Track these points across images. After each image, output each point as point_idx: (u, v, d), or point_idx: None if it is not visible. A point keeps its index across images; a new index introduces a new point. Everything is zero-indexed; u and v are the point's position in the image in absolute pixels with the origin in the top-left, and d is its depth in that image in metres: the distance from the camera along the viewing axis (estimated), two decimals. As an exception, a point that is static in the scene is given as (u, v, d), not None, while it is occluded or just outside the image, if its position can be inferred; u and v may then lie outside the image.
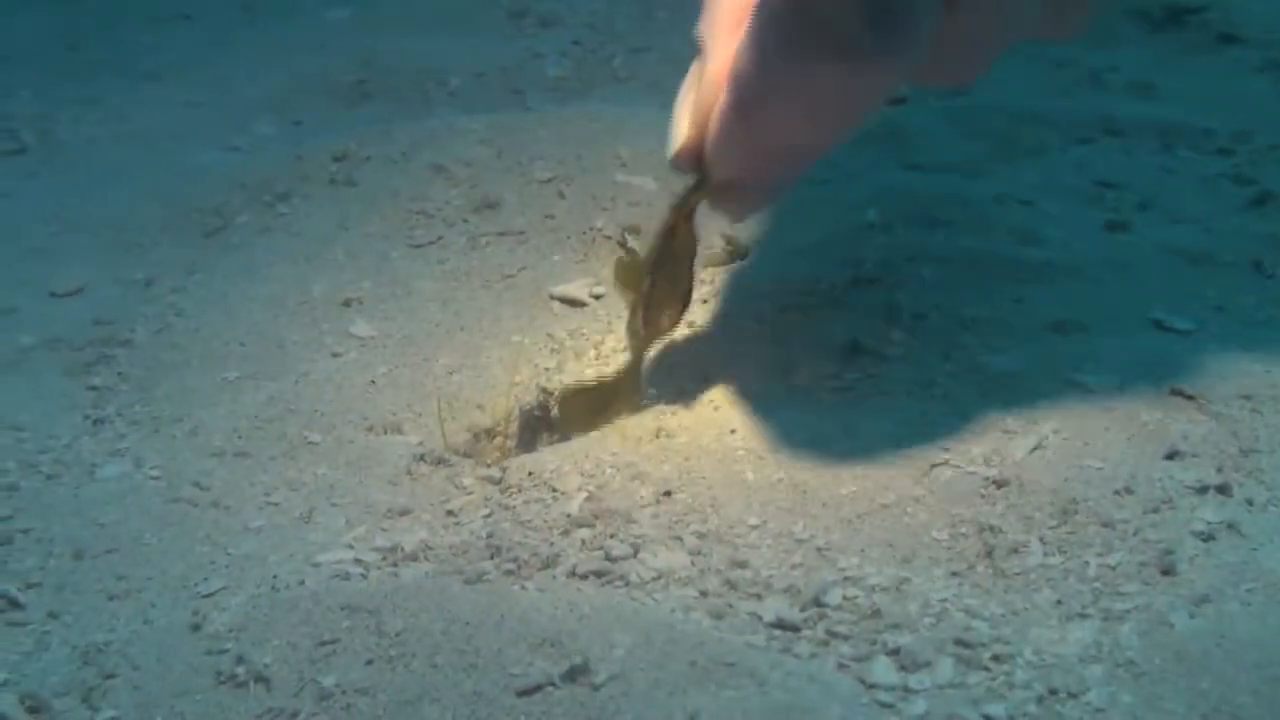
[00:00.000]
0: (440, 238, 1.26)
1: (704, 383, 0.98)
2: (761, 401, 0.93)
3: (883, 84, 0.78)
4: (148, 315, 1.19)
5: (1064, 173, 1.24)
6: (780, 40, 0.78)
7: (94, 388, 1.09)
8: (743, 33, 0.82)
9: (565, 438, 0.99)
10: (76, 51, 1.88)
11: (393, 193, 1.31)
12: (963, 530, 0.80)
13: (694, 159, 0.89)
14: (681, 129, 0.88)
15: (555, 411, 1.03)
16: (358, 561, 0.84)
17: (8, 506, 0.94)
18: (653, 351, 1.01)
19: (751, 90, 0.81)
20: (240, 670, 0.75)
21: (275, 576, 0.84)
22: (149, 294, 1.23)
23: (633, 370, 0.99)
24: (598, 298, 1.17)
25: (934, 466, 0.84)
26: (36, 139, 1.64)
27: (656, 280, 0.96)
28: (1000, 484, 0.83)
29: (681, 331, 1.03)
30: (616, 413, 0.97)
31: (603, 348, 1.11)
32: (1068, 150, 1.29)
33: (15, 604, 0.84)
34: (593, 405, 0.98)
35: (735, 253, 1.18)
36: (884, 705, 0.68)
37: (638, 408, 0.97)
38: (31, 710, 0.74)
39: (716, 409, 0.94)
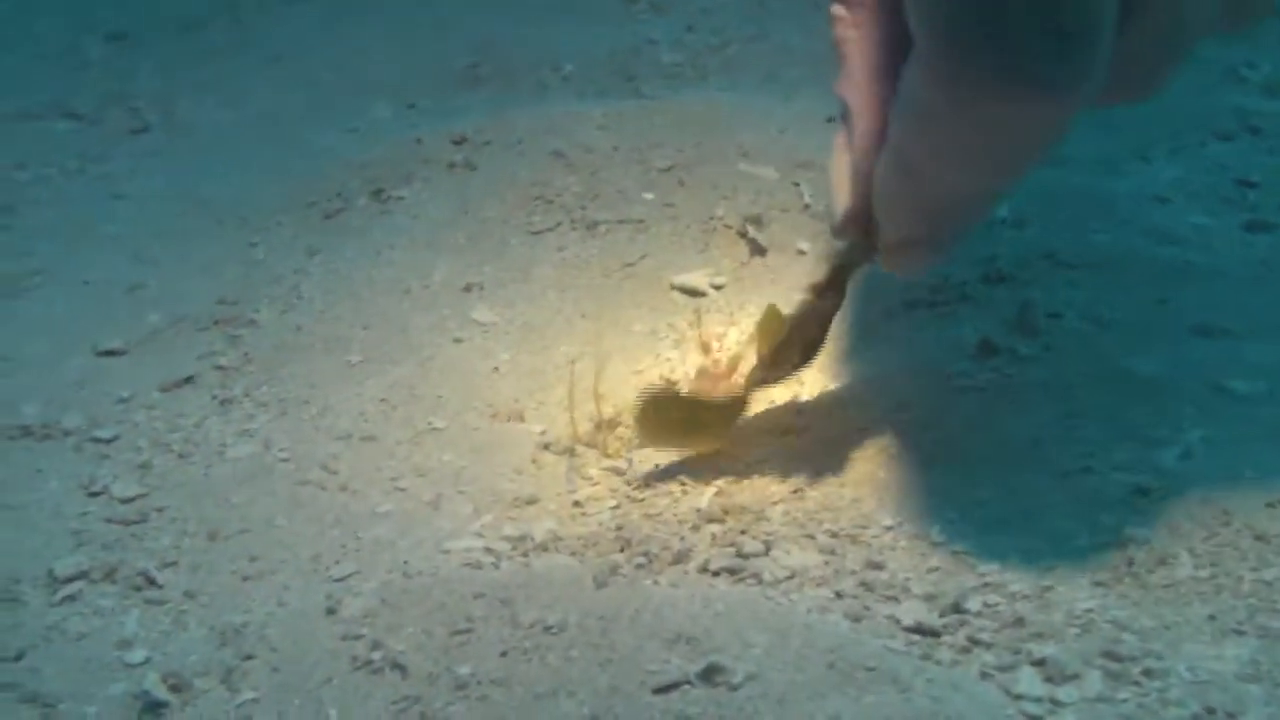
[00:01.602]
0: (559, 224, 1.25)
1: (832, 380, 0.96)
2: (891, 400, 0.92)
3: (1064, 116, 0.72)
4: (272, 296, 1.20)
5: (1202, 171, 1.20)
6: (945, 86, 0.71)
7: (220, 368, 1.10)
8: (890, 86, 0.78)
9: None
10: (194, 33, 1.90)
11: (512, 178, 1.31)
12: (1107, 539, 0.78)
13: (860, 226, 0.85)
14: (842, 197, 0.83)
15: (635, 413, 0.95)
16: (488, 550, 0.84)
17: (141, 484, 0.95)
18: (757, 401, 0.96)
19: (917, 145, 0.76)
20: (376, 656, 0.76)
21: (406, 562, 0.84)
22: (272, 275, 1.24)
23: (735, 407, 0.93)
24: (719, 288, 1.16)
25: (1076, 472, 0.82)
26: (160, 119, 1.66)
27: (791, 332, 0.92)
28: (1145, 492, 0.81)
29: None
30: (698, 442, 0.92)
31: (725, 340, 1.10)
32: (1206, 147, 1.25)
33: (153, 582, 0.85)
34: (677, 421, 0.93)
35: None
36: (1031, 717, 0.66)
37: (721, 446, 0.92)
38: (174, 689, 0.75)
39: (845, 407, 0.93)
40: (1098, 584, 0.75)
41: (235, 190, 1.41)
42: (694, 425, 0.92)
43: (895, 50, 0.79)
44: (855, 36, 0.82)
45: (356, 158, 1.41)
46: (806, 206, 1.23)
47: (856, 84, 0.82)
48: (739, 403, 0.93)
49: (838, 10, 0.84)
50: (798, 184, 1.26)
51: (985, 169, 0.76)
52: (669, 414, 0.92)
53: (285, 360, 1.10)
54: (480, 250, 1.22)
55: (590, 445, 1.01)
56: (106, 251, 1.30)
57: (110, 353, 1.12)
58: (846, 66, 0.83)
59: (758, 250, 1.16)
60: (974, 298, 1.02)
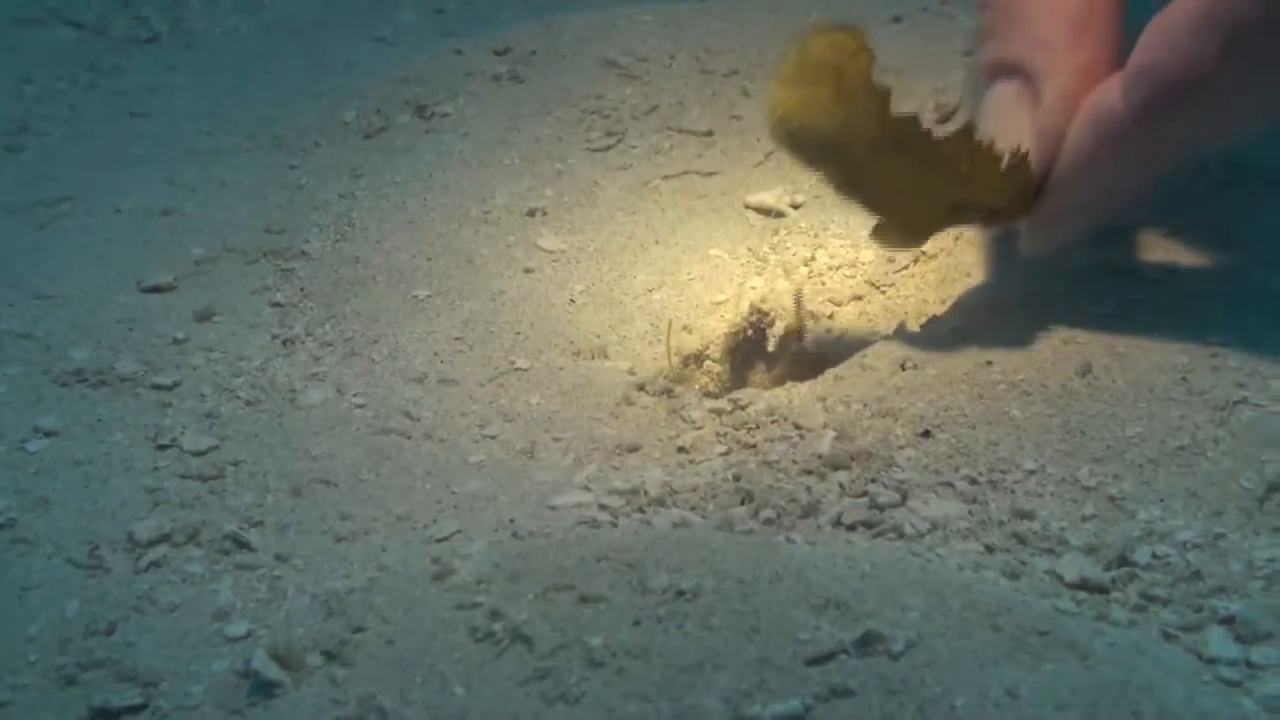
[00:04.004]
0: (620, 140, 1.19)
1: (945, 309, 0.91)
2: (1014, 331, 0.86)
3: None
4: (321, 225, 1.13)
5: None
6: (1225, 43, 0.75)
7: (277, 304, 1.04)
8: (1089, 53, 0.82)
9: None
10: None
11: (564, 91, 1.24)
12: (1276, 478, 0.73)
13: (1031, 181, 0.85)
14: (1024, 147, 0.83)
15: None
16: (602, 507, 0.79)
17: (212, 435, 0.90)
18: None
19: (1170, 95, 0.78)
20: (497, 627, 0.71)
21: (513, 521, 0.79)
22: (317, 200, 1.17)
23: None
24: (797, 207, 1.10)
25: (1231, 404, 0.77)
26: (169, 28, 1.58)
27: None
28: (1308, 427, 0.76)
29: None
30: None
31: (814, 264, 1.04)
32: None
33: (244, 544, 0.80)
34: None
35: None
36: (1230, 683, 0.62)
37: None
38: (284, 666, 0.70)
39: (965, 338, 0.87)
40: (1276, 529, 0.70)
41: (264, 107, 1.33)
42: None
43: (1091, 16, 0.83)
44: (1036, 1, 0.84)
45: (391, 71, 1.33)
46: (883, 116, 1.16)
47: (1042, 48, 0.83)
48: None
49: None
50: (870, 92, 1.19)
51: (1223, 129, 0.80)
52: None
53: (346, 295, 1.04)
54: (538, 171, 1.15)
55: (679, 381, 0.96)
56: (136, 176, 1.23)
57: (156, 288, 1.06)
58: (1024, 30, 0.84)
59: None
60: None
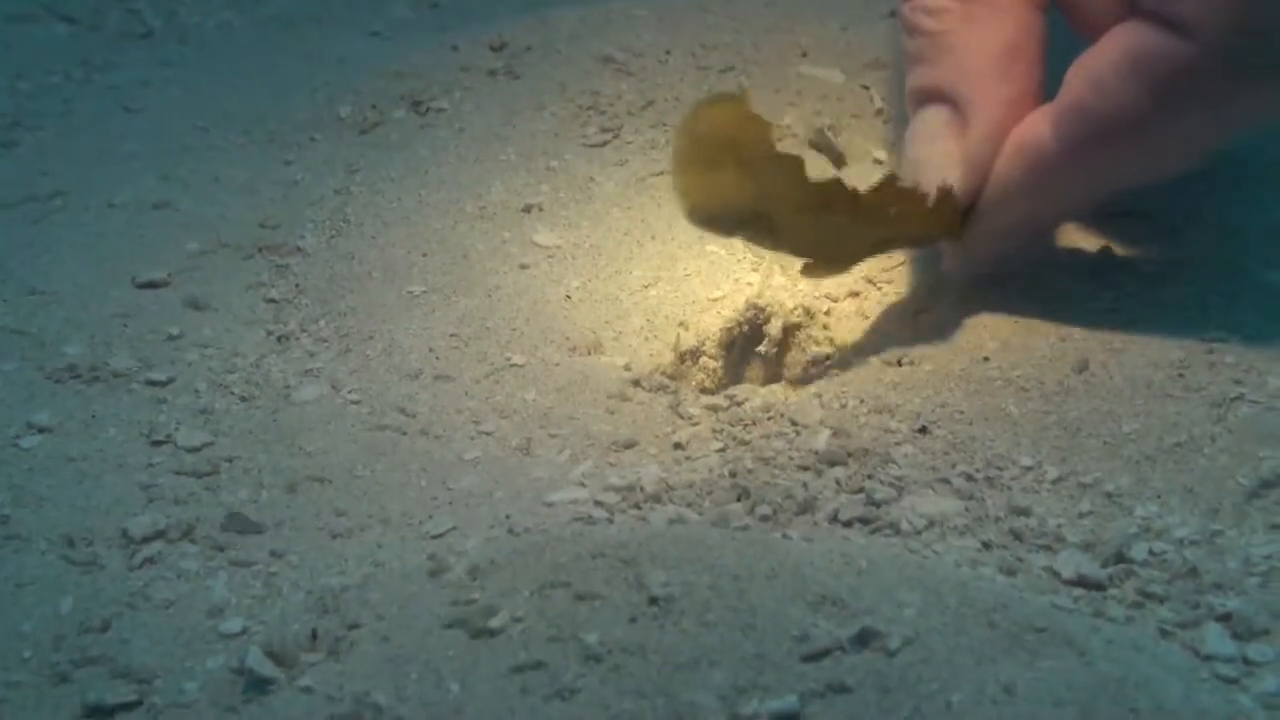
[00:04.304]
0: (616, 136, 1.18)
1: (943, 306, 0.90)
2: (1012, 325, 0.86)
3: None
4: (316, 220, 1.13)
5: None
6: (1151, 89, 0.79)
7: (272, 300, 1.04)
8: (1013, 85, 0.84)
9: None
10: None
11: (560, 86, 1.24)
12: (1275, 476, 0.73)
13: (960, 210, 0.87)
14: (949, 175, 0.86)
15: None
16: (598, 504, 0.78)
17: (206, 432, 0.89)
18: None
19: (1098, 136, 0.81)
20: (493, 623, 0.70)
21: (509, 517, 0.79)
22: (312, 196, 1.17)
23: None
24: (794, 202, 1.09)
25: (1228, 401, 0.77)
26: (162, 22, 1.57)
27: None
28: (1305, 423, 0.76)
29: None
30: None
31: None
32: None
33: (238, 535, 0.79)
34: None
35: None
36: (1226, 680, 0.62)
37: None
38: (278, 662, 0.70)
39: (962, 334, 0.87)
40: (1274, 526, 0.70)
41: (258, 102, 1.32)
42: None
43: (1019, 50, 0.86)
44: (966, 30, 0.86)
45: (386, 66, 1.33)
46: (879, 112, 1.16)
47: (971, 78, 0.86)
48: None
49: (941, 2, 0.87)
50: (867, 86, 1.19)
51: (1166, 159, 0.83)
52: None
53: (341, 291, 1.03)
54: (534, 167, 1.15)
55: (675, 378, 0.96)
56: (130, 171, 1.22)
57: (150, 284, 1.05)
58: (954, 59, 0.86)
59: (837, 160, 1.09)
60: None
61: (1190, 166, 0.84)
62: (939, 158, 0.86)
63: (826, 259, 0.88)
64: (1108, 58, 0.81)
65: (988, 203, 0.86)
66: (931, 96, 0.88)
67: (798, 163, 0.82)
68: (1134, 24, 0.81)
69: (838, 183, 0.84)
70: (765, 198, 0.83)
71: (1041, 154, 0.84)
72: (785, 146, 0.83)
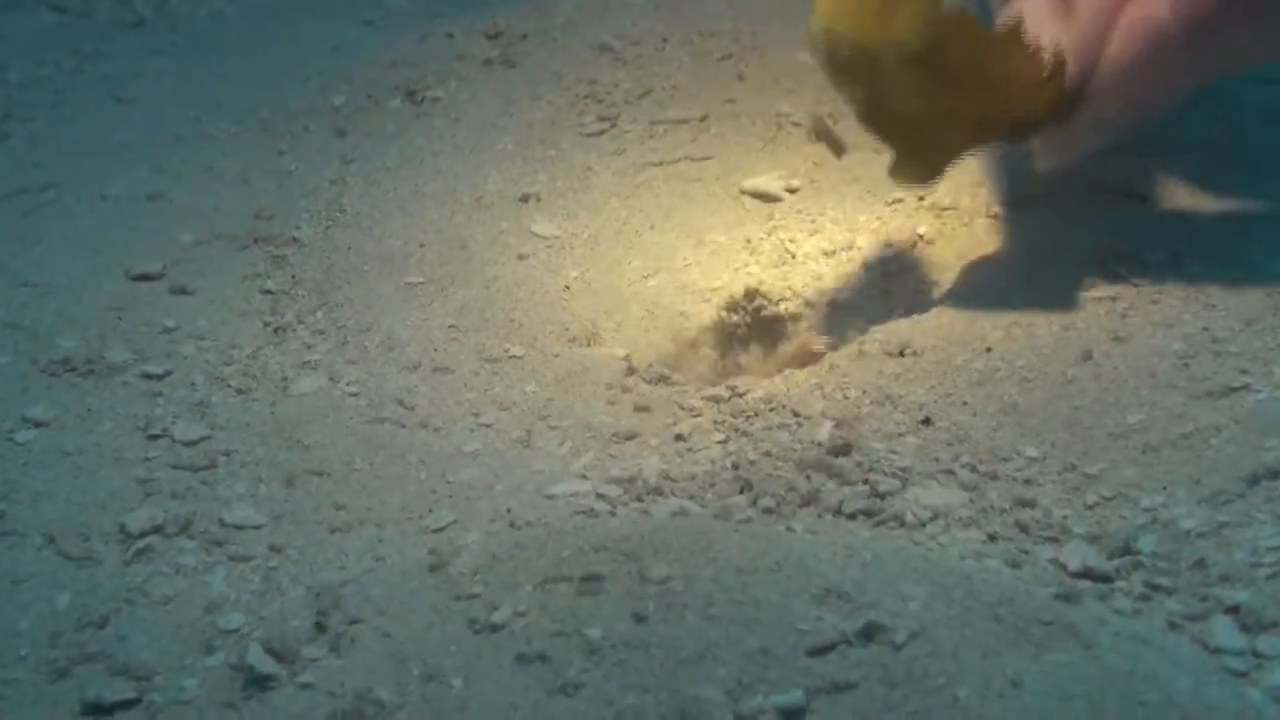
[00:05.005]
0: (613, 125, 1.17)
1: (947, 297, 0.90)
2: (1015, 316, 0.86)
3: None
4: (311, 211, 1.12)
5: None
6: None
7: (269, 291, 1.03)
8: None
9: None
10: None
11: (556, 75, 1.23)
12: (1278, 465, 0.72)
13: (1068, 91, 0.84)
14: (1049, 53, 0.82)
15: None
16: (600, 496, 0.78)
17: (203, 425, 0.88)
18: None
19: (1218, 11, 0.79)
20: (496, 618, 0.70)
21: (510, 510, 0.78)
22: (307, 186, 1.16)
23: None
24: (793, 191, 1.09)
25: (1232, 390, 0.77)
26: (153, 11, 1.55)
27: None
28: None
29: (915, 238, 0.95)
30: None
31: (805, 247, 1.03)
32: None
33: (236, 530, 0.78)
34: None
35: None
36: (1235, 673, 0.61)
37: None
38: (280, 660, 0.69)
39: (965, 324, 0.87)
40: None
41: (251, 92, 1.31)
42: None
43: None
44: None
45: (380, 55, 1.32)
46: (878, 101, 1.15)
47: None
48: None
49: None
50: (866, 76, 1.18)
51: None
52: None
53: (338, 282, 1.02)
54: (532, 156, 1.14)
55: (675, 368, 0.95)
56: (122, 162, 1.21)
57: (145, 276, 1.04)
58: None
59: (837, 149, 1.09)
60: (1086, 198, 0.95)
61: None
62: (1048, 43, 0.83)
63: (917, 148, 0.85)
64: None
65: (1103, 84, 0.83)
66: None
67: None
68: None
69: (964, 15, 0.80)
70: (889, 41, 0.80)
71: (1161, 33, 0.81)
72: None
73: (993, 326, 0.86)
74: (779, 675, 0.65)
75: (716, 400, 0.87)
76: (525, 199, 1.09)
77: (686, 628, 0.68)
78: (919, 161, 0.85)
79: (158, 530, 0.79)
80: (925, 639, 0.65)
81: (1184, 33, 0.81)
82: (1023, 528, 0.72)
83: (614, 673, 0.67)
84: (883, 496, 0.75)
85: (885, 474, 0.76)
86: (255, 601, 0.74)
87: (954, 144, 0.85)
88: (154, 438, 0.87)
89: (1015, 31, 0.82)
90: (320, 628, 0.71)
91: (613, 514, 0.76)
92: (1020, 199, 0.96)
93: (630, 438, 0.85)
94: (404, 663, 0.69)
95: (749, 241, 1.03)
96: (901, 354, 0.85)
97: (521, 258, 1.03)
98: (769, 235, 1.04)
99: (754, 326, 0.97)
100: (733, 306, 0.99)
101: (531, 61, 1.25)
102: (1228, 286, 0.84)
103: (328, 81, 1.30)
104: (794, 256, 1.02)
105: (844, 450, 0.79)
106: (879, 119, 0.85)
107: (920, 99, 0.82)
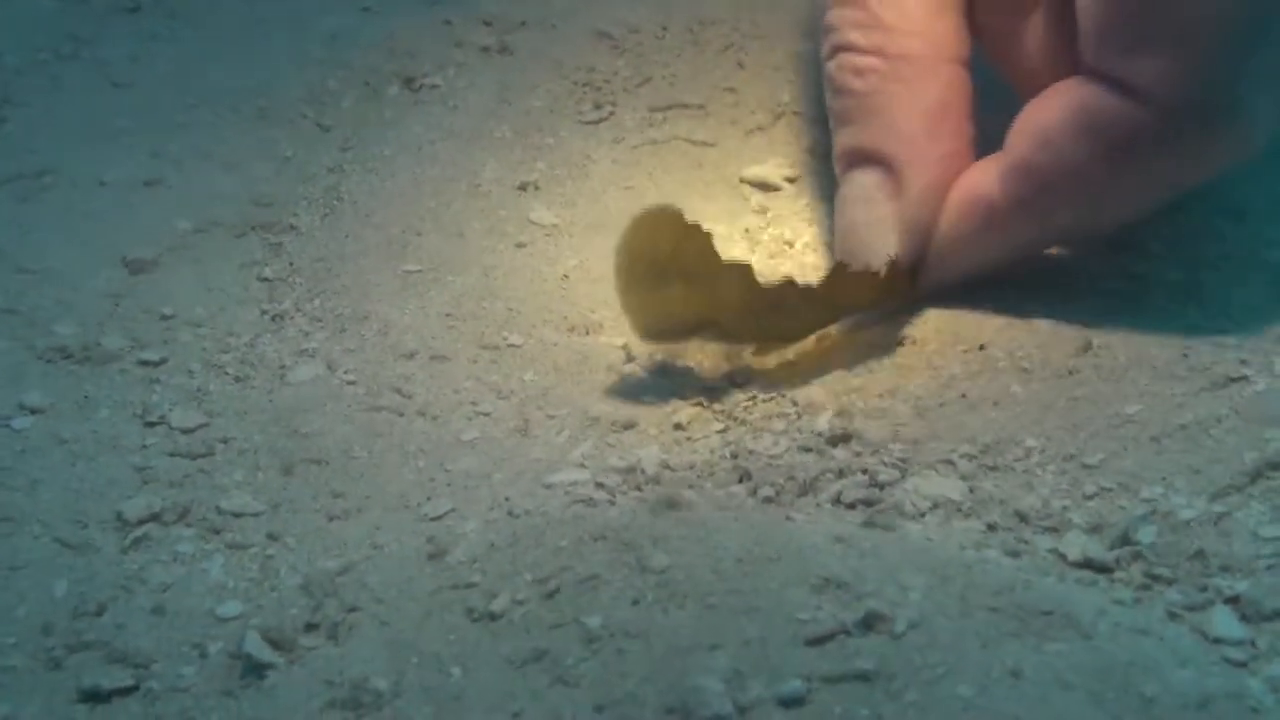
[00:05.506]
0: (612, 113, 1.17)
1: (942, 289, 0.89)
2: (1014, 308, 0.86)
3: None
4: (309, 198, 1.11)
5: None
6: (1104, 150, 0.79)
7: (266, 279, 1.03)
8: (947, 143, 0.85)
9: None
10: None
11: (554, 62, 1.22)
12: (1278, 455, 0.72)
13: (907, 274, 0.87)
14: (889, 246, 0.86)
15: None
16: (598, 485, 0.78)
17: (200, 413, 0.88)
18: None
19: (1048, 193, 0.82)
20: (494, 607, 0.70)
21: (508, 499, 0.78)
22: (305, 173, 1.15)
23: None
24: (791, 180, 1.08)
25: (1232, 380, 0.77)
26: (151, -3, 1.55)
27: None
28: (1312, 403, 0.75)
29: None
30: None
31: (804, 237, 1.03)
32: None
33: (234, 517, 0.78)
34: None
35: None
36: (1235, 664, 0.61)
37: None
38: (278, 648, 0.69)
39: (965, 315, 0.86)
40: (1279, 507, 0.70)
41: (248, 78, 1.31)
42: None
43: (948, 108, 0.86)
44: (894, 90, 0.86)
45: (379, 41, 1.31)
46: (877, 90, 1.15)
47: (903, 138, 0.86)
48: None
49: (868, 62, 0.87)
50: (865, 65, 1.17)
51: (1119, 208, 0.83)
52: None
53: (335, 270, 1.02)
54: (530, 144, 1.14)
55: (676, 357, 0.95)
56: (119, 148, 1.20)
57: (142, 262, 1.04)
58: (883, 119, 0.86)
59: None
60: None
61: (1140, 219, 0.84)
62: (875, 224, 0.86)
63: (779, 341, 0.88)
64: (1055, 115, 0.81)
65: (937, 257, 0.87)
66: (862, 158, 0.87)
67: (747, 270, 0.84)
68: (1082, 83, 0.81)
69: (789, 283, 0.85)
70: (716, 306, 0.85)
71: (990, 209, 0.84)
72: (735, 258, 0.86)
73: (992, 317, 0.86)
74: (778, 665, 0.65)
75: (716, 389, 0.87)
76: (524, 187, 1.09)
77: (685, 617, 0.68)
78: (781, 345, 0.88)
79: (155, 518, 0.79)
80: (925, 629, 0.65)
81: (1012, 209, 0.83)
82: (1022, 518, 0.72)
83: (613, 662, 0.67)
84: (882, 486, 0.75)
85: (884, 463, 0.76)
86: (253, 589, 0.74)
87: (810, 330, 0.88)
88: (151, 425, 0.87)
89: (838, 269, 0.86)
90: (318, 616, 0.71)
91: (611, 503, 0.76)
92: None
93: (629, 427, 0.85)
94: (402, 651, 0.69)
95: (748, 231, 1.03)
96: (901, 344, 0.85)
97: (520, 246, 1.03)
98: (768, 225, 1.04)
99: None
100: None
101: (530, 49, 1.25)
102: (1228, 277, 0.84)
103: (325, 68, 1.29)
104: (792, 246, 1.02)
105: (843, 440, 0.78)
106: (733, 341, 0.88)
107: (770, 325, 0.86)
